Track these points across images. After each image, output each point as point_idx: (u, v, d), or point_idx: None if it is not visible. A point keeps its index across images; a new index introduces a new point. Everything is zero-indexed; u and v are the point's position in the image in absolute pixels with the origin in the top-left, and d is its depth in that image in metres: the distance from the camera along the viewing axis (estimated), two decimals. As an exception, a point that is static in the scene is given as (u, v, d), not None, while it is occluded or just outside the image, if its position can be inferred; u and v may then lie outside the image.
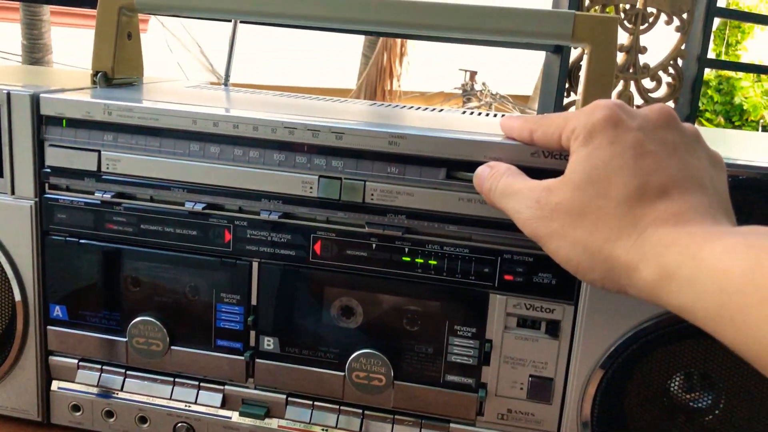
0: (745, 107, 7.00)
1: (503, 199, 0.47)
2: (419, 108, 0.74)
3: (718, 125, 6.84)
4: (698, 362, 0.52)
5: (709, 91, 7.07)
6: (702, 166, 0.42)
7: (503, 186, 0.47)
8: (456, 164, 0.52)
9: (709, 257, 0.35)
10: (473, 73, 5.33)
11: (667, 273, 0.37)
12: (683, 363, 0.53)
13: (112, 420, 0.62)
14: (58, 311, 0.61)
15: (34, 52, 4.25)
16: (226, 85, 0.86)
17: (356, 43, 5.66)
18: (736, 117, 7.04)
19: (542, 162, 0.50)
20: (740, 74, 7.06)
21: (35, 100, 0.56)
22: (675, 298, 0.37)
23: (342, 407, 0.58)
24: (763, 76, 7.21)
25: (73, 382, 0.62)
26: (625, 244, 0.40)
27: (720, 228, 0.38)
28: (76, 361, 0.62)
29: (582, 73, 0.59)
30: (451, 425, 0.57)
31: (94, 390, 0.62)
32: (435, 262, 0.54)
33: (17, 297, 0.59)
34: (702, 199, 0.40)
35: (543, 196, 0.43)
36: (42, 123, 0.57)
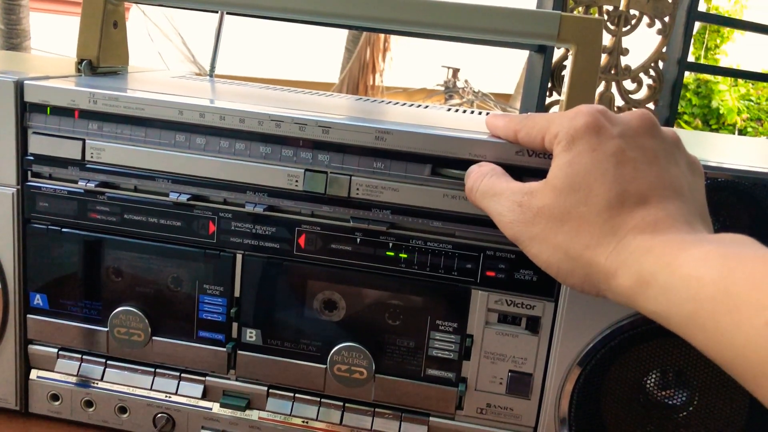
0: (722, 111, 7.09)
1: (485, 200, 0.47)
2: (405, 104, 0.75)
3: (695, 128, 6.93)
4: (673, 360, 0.54)
5: (688, 94, 7.15)
6: (680, 173, 0.43)
7: (485, 187, 0.47)
8: (441, 161, 0.52)
9: (683, 265, 0.36)
10: (456, 71, 5.35)
11: (644, 280, 0.38)
12: (659, 361, 0.54)
13: (91, 410, 0.62)
14: (38, 300, 0.60)
15: (12, 37, 4.18)
16: (211, 76, 0.85)
17: (339, 37, 5.64)
18: (713, 120, 7.13)
19: (526, 161, 0.50)
20: (718, 78, 7.15)
21: (19, 87, 0.56)
22: (651, 304, 0.38)
23: (323, 400, 0.58)
24: (740, 81, 7.32)
25: (52, 371, 0.61)
26: (605, 251, 0.40)
27: (695, 236, 0.39)
28: (55, 350, 0.61)
29: (566, 74, 0.60)
30: (431, 419, 0.57)
31: (74, 379, 0.61)
32: (418, 258, 0.54)
33: (-3, 285, 0.59)
34: (679, 207, 0.41)
35: (525, 200, 0.44)
36: (26, 110, 0.57)
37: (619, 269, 0.39)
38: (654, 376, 0.55)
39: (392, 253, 0.55)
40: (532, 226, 0.43)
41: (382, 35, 5.17)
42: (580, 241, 0.41)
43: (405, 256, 0.55)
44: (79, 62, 0.65)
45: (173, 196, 0.56)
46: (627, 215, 0.40)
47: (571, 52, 0.58)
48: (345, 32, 5.48)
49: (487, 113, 0.66)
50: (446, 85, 5.27)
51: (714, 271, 0.35)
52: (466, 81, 5.31)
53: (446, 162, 0.52)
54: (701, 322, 0.35)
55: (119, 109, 0.55)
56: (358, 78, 5.22)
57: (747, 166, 0.52)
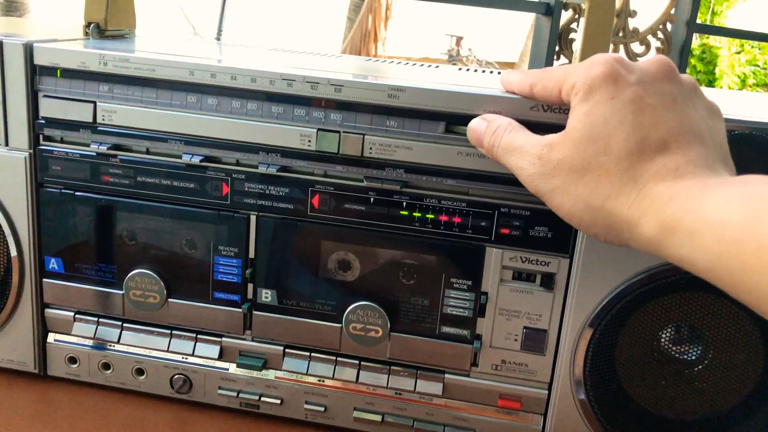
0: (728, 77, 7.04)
1: (506, 156, 0.47)
2: (415, 64, 0.74)
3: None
4: (688, 315, 0.54)
5: (693, 60, 7.09)
6: (700, 116, 0.43)
7: (506, 142, 0.47)
8: (455, 118, 0.52)
9: (707, 209, 0.36)
10: (459, 39, 5.29)
11: (668, 227, 0.38)
12: (673, 316, 0.54)
13: (108, 372, 0.62)
14: (53, 264, 0.60)
15: (11, 10, 4.15)
16: (218, 39, 0.85)
17: (341, 6, 5.58)
18: (718, 86, 7.07)
19: (542, 116, 0.50)
20: (723, 43, 7.08)
21: (29, 50, 0.56)
22: (676, 250, 0.38)
23: (339, 358, 0.59)
24: (746, 48, 7.24)
25: (69, 334, 0.62)
26: (626, 200, 0.40)
27: (717, 179, 0.39)
28: (72, 313, 0.62)
29: (579, 31, 0.59)
30: (446, 376, 0.58)
31: (91, 342, 0.62)
32: (432, 216, 0.54)
33: (12, 249, 0.59)
34: (700, 151, 0.41)
35: (545, 152, 0.44)
36: (36, 73, 0.56)
37: (642, 218, 0.39)
38: (668, 331, 0.55)
39: (406, 212, 0.55)
40: (553, 178, 0.43)
41: (383, 3, 5.10)
42: (601, 191, 0.41)
43: (419, 215, 0.55)
44: (87, 25, 0.65)
45: (186, 158, 0.56)
46: (647, 163, 0.40)
47: (585, 7, 0.57)
48: (347, 1, 5.42)
49: (498, 72, 0.65)
50: (450, 53, 5.22)
51: (738, 213, 0.35)
52: (469, 49, 5.26)
53: (460, 119, 0.52)
54: (728, 264, 0.35)
55: (130, 70, 0.55)
56: (359, 47, 5.17)
57: (764, 118, 0.51)
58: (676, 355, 0.55)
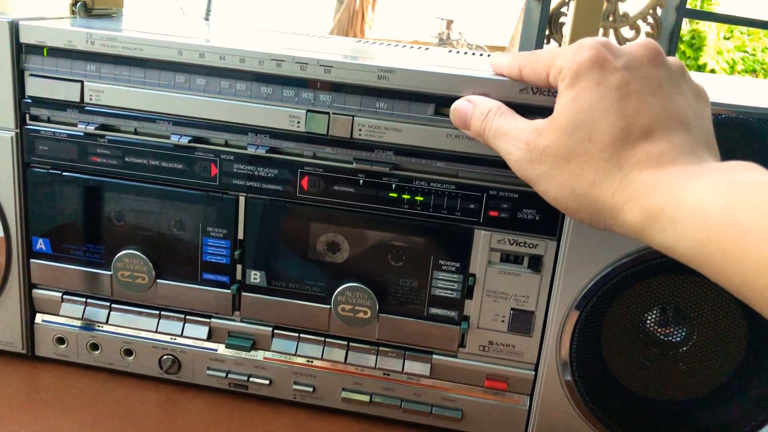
0: (717, 63, 7.05)
1: (495, 140, 0.47)
2: (405, 46, 0.74)
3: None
4: (673, 297, 0.54)
5: (682, 46, 7.09)
6: (686, 101, 0.43)
7: (497, 126, 0.47)
8: (445, 100, 0.52)
9: (689, 197, 0.37)
10: (450, 22, 5.26)
11: (651, 215, 0.38)
12: (659, 298, 0.55)
13: (97, 353, 0.62)
14: (41, 244, 0.60)
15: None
16: (207, 19, 0.84)
17: (331, -13, 5.53)
18: (707, 72, 7.09)
19: (531, 98, 0.50)
20: (712, 28, 7.08)
21: (14, 28, 0.55)
22: (659, 237, 0.38)
23: (327, 339, 0.59)
24: (735, 33, 7.26)
25: (57, 315, 0.62)
26: (610, 187, 0.41)
27: (700, 167, 0.39)
28: (60, 294, 0.62)
29: (569, 15, 0.59)
30: (434, 356, 0.58)
31: (79, 323, 0.62)
32: (421, 198, 0.55)
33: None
34: (684, 137, 0.41)
35: (532, 138, 0.44)
36: (22, 51, 0.56)
37: (625, 205, 0.40)
38: (654, 313, 0.55)
39: (395, 195, 0.55)
40: (539, 164, 0.43)
41: (373, -15, 5.07)
42: (586, 178, 0.41)
43: (408, 197, 0.55)
44: (74, 4, 0.64)
45: (174, 139, 0.55)
46: (631, 150, 0.40)
47: (574, -10, 0.57)
48: (336, -18, 5.38)
49: (488, 55, 0.65)
50: (440, 36, 5.20)
51: (719, 200, 0.35)
52: (460, 33, 5.24)
53: (449, 101, 0.52)
54: (709, 252, 0.35)
55: (117, 49, 0.54)
56: (347, 29, 5.14)
57: (750, 102, 0.51)
58: (662, 337, 0.56)
